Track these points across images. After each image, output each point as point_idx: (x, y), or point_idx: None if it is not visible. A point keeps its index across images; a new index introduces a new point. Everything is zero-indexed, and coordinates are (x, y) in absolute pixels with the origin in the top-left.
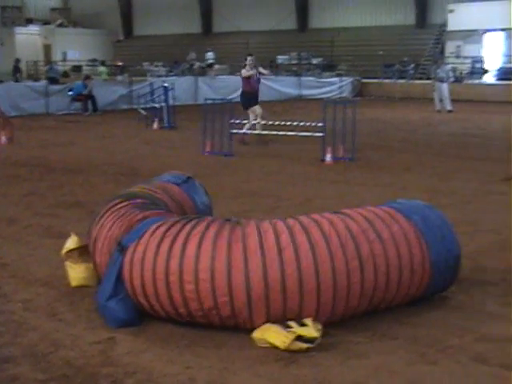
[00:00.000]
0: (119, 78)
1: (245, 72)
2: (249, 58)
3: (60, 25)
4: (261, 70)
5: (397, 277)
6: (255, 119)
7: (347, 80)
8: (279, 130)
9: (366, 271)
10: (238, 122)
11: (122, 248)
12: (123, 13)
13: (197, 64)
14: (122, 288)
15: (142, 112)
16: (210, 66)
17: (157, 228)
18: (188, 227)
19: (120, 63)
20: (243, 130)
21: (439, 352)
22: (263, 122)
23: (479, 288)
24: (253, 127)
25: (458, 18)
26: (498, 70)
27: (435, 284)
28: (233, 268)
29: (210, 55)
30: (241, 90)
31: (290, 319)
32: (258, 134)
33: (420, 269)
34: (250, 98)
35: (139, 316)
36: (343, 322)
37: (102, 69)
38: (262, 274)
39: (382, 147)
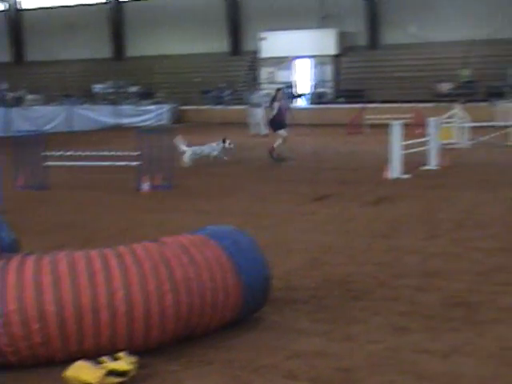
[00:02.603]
0: None
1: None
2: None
3: None
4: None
5: (211, 299)
6: (280, 141)
7: (165, 107)
8: (93, 161)
9: (179, 294)
10: (50, 154)
11: None
12: None
13: (10, 94)
14: None
15: None
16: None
17: None
18: None
19: None
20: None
21: (253, 373)
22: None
23: (291, 307)
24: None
25: (270, 46)
26: (310, 94)
27: (248, 305)
28: (42, 294)
29: None
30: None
31: (104, 345)
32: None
33: (234, 291)
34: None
35: None
36: (159, 350)
37: None
38: (73, 298)
39: (200, 173)
